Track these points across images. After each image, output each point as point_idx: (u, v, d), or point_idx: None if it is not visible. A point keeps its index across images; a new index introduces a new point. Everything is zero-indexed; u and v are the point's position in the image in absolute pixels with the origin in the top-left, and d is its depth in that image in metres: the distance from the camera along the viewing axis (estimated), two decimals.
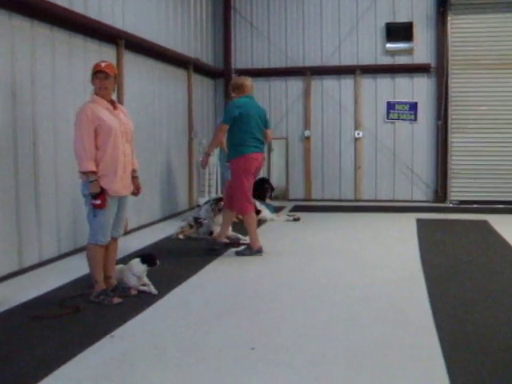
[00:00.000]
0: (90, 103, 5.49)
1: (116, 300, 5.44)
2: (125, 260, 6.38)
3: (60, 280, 6.23)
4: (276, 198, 12.03)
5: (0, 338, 4.59)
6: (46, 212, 7.10)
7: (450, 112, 12.60)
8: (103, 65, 5.51)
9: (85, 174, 5.35)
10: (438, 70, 12.59)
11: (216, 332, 4.70)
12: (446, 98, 12.56)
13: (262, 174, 13.31)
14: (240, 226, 9.32)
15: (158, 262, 5.87)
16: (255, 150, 7.57)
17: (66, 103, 7.46)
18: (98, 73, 5.47)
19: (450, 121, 12.62)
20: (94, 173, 5.32)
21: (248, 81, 7.77)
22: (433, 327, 4.71)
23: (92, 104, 5.45)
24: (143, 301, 5.51)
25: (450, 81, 12.53)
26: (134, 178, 5.81)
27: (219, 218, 8.44)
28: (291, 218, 10.53)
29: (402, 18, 12.77)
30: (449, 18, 12.47)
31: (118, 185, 5.49)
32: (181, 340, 4.55)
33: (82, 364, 4.05)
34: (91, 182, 5.30)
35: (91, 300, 5.45)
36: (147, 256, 5.90)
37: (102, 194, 5.33)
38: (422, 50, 12.76)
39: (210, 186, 11.59)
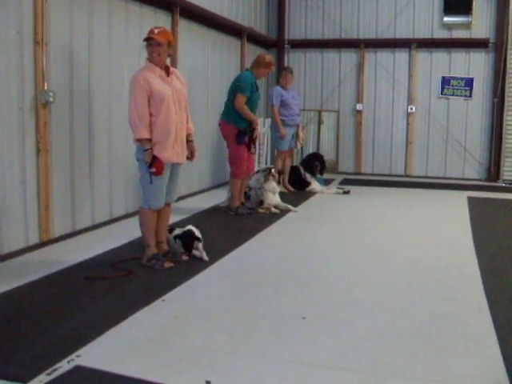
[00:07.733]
0: (143, 70, 5.45)
1: (167, 264, 5.49)
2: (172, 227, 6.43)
3: (112, 243, 6.31)
4: (325, 171, 11.94)
5: (54, 297, 4.68)
6: (99, 176, 7.21)
7: (507, 89, 12.19)
8: (156, 31, 5.42)
9: (140, 141, 5.37)
10: (497, 46, 12.18)
11: (266, 300, 4.72)
12: (504, 75, 12.16)
13: (313, 148, 13.31)
14: (289, 197, 9.33)
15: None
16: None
17: (122, 69, 7.52)
18: (150, 39, 5.42)
19: (506, 98, 12.21)
20: (148, 140, 5.33)
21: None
22: (486, 305, 4.63)
23: (145, 71, 5.42)
24: (194, 266, 5.56)
25: (508, 57, 12.09)
26: (189, 142, 5.82)
27: (269, 185, 8.54)
28: (341, 190, 10.45)
29: None
30: None
31: (169, 152, 5.47)
32: (231, 306, 4.58)
33: (134, 325, 4.10)
34: (145, 150, 5.33)
35: (143, 264, 5.52)
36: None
37: (155, 161, 5.35)
38: (480, 24, 12.33)
39: (260, 155, 11.55)
